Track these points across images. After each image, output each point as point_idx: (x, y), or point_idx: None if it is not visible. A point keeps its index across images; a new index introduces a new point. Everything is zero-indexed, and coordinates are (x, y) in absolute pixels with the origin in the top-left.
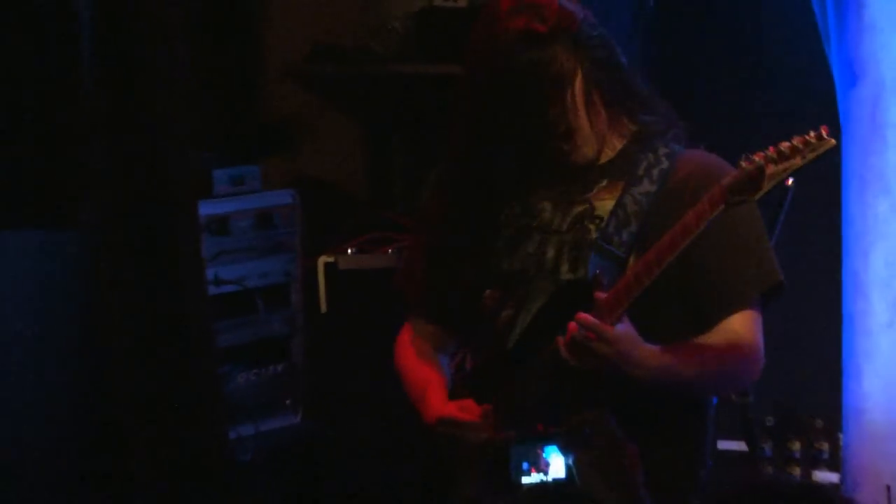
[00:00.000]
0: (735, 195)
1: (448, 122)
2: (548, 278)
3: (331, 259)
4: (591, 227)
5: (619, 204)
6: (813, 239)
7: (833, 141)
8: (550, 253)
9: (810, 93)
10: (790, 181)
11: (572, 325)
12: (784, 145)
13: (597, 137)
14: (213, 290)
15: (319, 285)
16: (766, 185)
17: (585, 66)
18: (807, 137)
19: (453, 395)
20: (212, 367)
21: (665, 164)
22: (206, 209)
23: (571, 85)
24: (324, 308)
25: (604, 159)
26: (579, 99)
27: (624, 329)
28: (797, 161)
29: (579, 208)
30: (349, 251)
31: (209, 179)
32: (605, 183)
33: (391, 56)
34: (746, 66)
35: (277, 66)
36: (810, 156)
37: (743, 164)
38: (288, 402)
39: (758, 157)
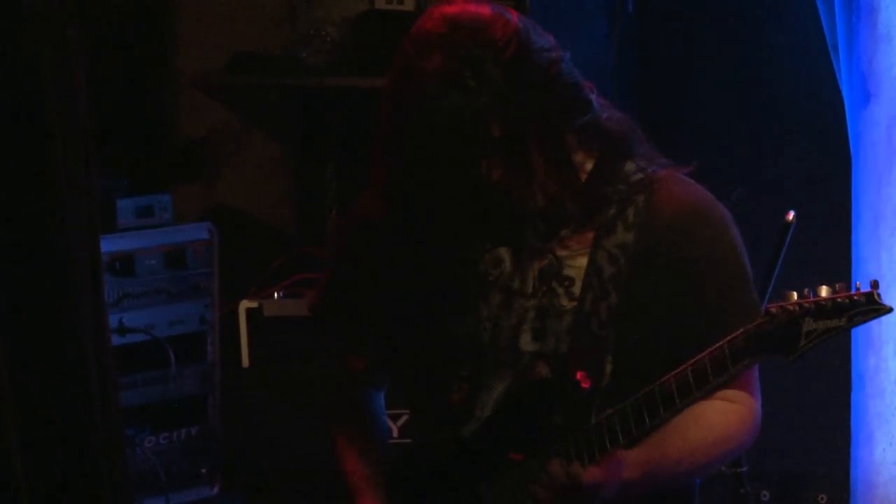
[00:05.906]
0: (762, 351)
1: (371, 138)
2: (506, 350)
3: (254, 304)
4: (560, 291)
5: (593, 265)
6: (818, 282)
7: (890, 307)
8: (512, 320)
9: (815, 111)
10: (791, 215)
11: (559, 480)
12: (825, 297)
13: (552, 180)
14: (116, 339)
15: (240, 335)
16: (803, 346)
17: (528, 104)
18: (854, 297)
19: (392, 474)
20: (114, 432)
21: (641, 198)
22: (109, 245)
23: (512, 132)
24: (245, 362)
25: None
26: (526, 146)
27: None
28: (842, 323)
29: (543, 262)
30: (275, 295)
31: (112, 210)
32: (570, 228)
33: (324, 66)
34: (739, 78)
35: (191, 77)
36: (857, 320)
37: (773, 310)
38: (203, 471)
39: (791, 306)
